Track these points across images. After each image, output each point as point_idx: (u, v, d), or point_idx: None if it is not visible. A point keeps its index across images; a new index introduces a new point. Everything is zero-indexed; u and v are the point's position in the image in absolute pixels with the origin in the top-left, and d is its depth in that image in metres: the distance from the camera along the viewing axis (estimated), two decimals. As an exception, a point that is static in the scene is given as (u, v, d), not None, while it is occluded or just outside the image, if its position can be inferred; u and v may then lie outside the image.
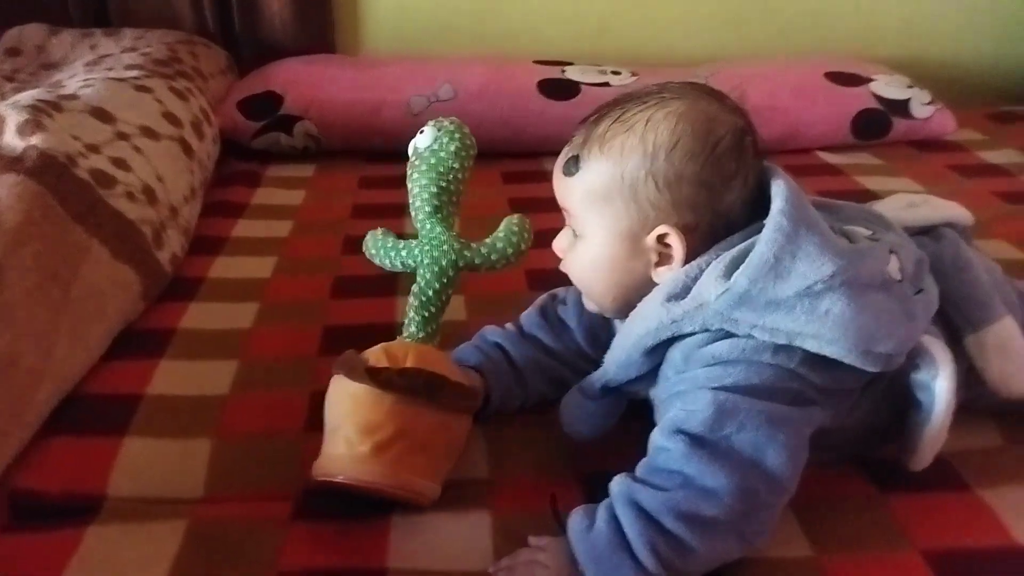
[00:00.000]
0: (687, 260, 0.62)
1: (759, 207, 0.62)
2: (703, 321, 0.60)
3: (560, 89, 1.45)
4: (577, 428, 0.70)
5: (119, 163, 0.96)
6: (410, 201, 0.81)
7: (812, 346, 0.57)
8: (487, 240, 0.78)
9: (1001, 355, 0.67)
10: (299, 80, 1.46)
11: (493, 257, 0.77)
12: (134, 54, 1.35)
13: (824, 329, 0.56)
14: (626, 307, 0.67)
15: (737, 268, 0.58)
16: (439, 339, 0.76)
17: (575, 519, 0.58)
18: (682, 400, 0.60)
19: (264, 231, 1.19)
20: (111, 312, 0.86)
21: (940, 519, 0.64)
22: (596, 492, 0.61)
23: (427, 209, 0.79)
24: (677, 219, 0.62)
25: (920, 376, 0.61)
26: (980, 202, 1.17)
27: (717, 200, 0.62)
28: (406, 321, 0.76)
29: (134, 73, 1.20)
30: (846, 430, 0.64)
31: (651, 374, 0.65)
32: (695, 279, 0.61)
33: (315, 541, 0.63)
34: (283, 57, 1.56)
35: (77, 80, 1.14)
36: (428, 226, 0.78)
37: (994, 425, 0.73)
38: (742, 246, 0.60)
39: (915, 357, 0.61)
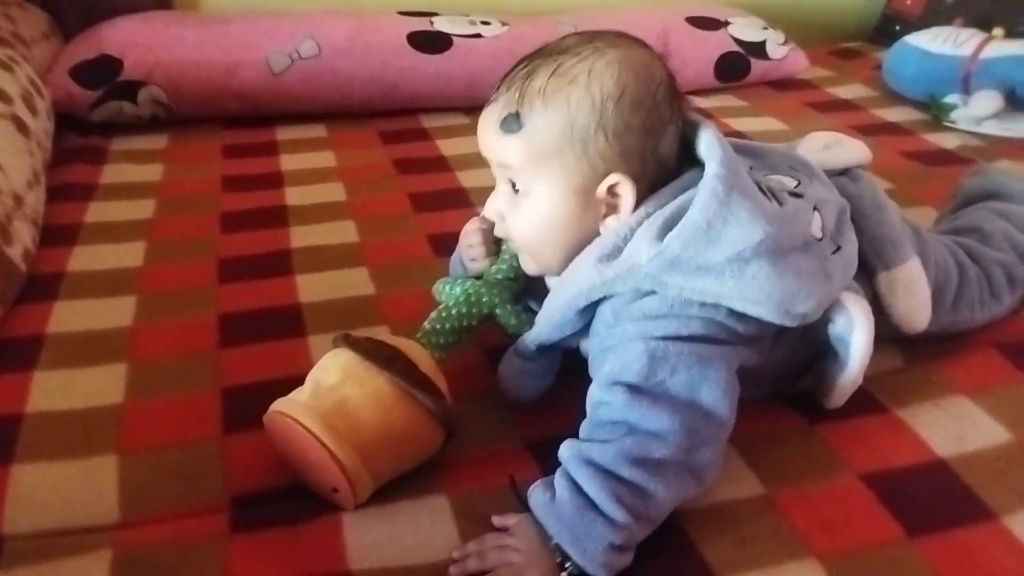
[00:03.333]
0: (635, 208, 0.62)
1: (683, 155, 0.64)
2: (634, 282, 0.60)
3: (431, 42, 1.39)
4: (518, 391, 0.69)
5: (-55, 149, 0.82)
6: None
7: (737, 306, 0.59)
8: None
9: (908, 292, 0.72)
10: (138, 41, 1.31)
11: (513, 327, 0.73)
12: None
13: (750, 292, 0.58)
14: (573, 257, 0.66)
15: (669, 230, 0.58)
16: (444, 356, 0.70)
17: (536, 494, 0.57)
18: (615, 354, 0.61)
19: (123, 213, 1.06)
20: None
21: (869, 443, 0.68)
22: (548, 459, 0.60)
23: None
24: (626, 167, 0.62)
25: (836, 330, 0.65)
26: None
27: (657, 146, 0.62)
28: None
29: (-59, 41, 1.03)
30: (766, 368, 0.67)
31: (583, 329, 0.66)
32: (625, 239, 0.61)
33: (262, 553, 0.58)
34: (112, 16, 1.39)
35: None
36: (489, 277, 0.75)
37: (896, 348, 0.78)
38: (673, 206, 0.60)
39: (832, 312, 0.64)
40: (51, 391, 0.73)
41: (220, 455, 0.66)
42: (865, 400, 0.72)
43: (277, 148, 1.28)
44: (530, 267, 0.70)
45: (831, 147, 0.75)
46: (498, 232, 0.70)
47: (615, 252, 0.61)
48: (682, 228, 0.58)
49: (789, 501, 0.62)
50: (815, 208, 0.65)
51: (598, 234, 0.64)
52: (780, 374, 0.70)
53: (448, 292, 0.75)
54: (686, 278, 0.58)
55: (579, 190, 0.62)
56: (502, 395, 0.70)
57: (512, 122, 0.62)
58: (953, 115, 1.37)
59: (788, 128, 1.36)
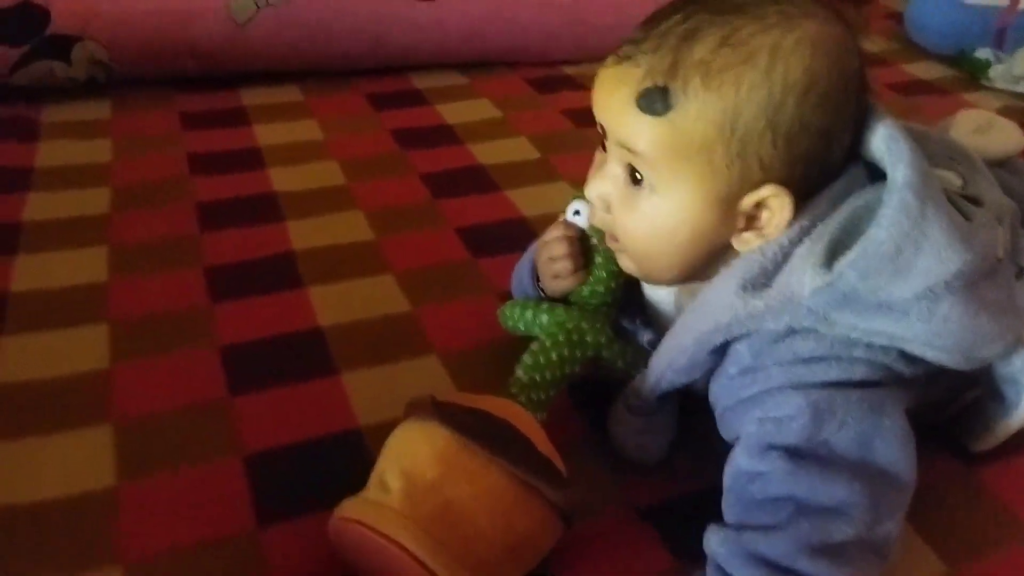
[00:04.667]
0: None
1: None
2: (790, 319, 0.47)
3: (423, -15, 1.19)
4: (642, 454, 0.57)
5: None
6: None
7: (915, 350, 0.47)
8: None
9: None
10: (66, -15, 1.07)
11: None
12: None
13: (938, 336, 0.46)
14: (687, 279, 0.54)
15: (837, 253, 0.45)
16: (544, 416, 0.56)
17: None
18: (761, 407, 0.49)
19: (71, 208, 0.87)
20: None
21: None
22: (674, 531, 0.52)
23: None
24: (786, 177, 0.48)
25: (1010, 370, 0.54)
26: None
27: (830, 152, 0.49)
28: (510, 381, 0.57)
29: None
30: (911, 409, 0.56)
31: (711, 369, 0.53)
32: (777, 263, 0.48)
33: None
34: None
35: None
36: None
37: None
38: (840, 219, 0.47)
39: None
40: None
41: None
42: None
43: (247, 117, 1.09)
44: (629, 267, 0.56)
45: (983, 130, 0.63)
46: (595, 220, 0.56)
47: (764, 278, 0.48)
48: (863, 253, 0.44)
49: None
50: (998, 219, 0.52)
51: (729, 246, 0.51)
52: (921, 413, 0.59)
53: (531, 321, 0.60)
54: (859, 318, 0.46)
55: (722, 199, 0.48)
56: (597, 449, 0.57)
57: (657, 99, 0.47)
58: (991, 72, 1.27)
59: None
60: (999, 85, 1.26)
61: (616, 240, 0.54)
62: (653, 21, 0.49)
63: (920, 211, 0.44)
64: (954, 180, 0.55)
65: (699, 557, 0.48)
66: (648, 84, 0.47)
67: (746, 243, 0.50)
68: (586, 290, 0.60)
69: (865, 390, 0.48)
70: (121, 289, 0.74)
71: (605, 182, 0.52)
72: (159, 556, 0.51)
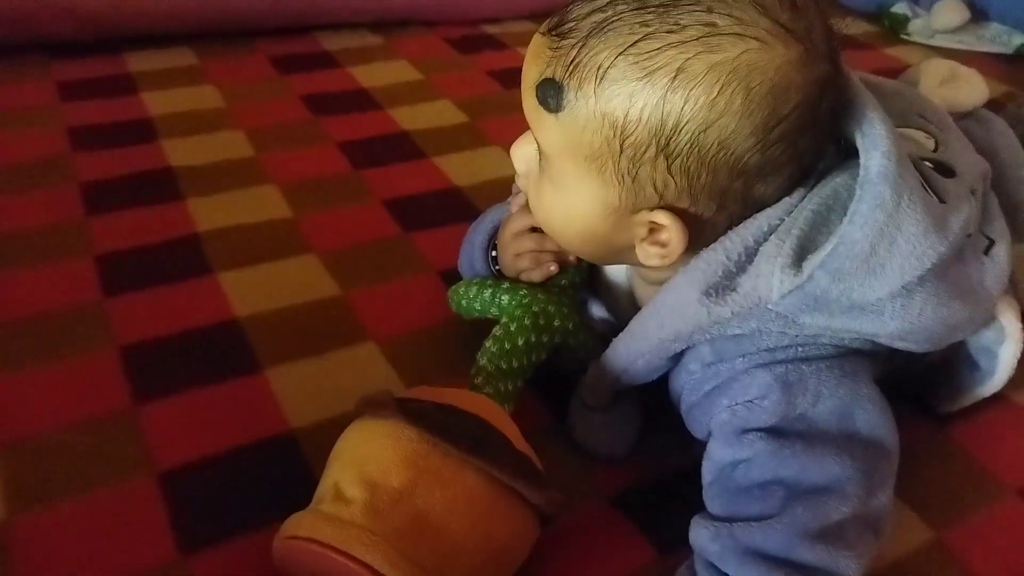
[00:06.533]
0: (687, 251, 0.44)
1: None
2: (757, 323, 0.44)
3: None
4: (606, 449, 0.52)
5: None
6: None
7: (885, 343, 0.45)
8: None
9: None
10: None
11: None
12: None
13: (912, 330, 0.43)
14: (605, 264, 0.51)
15: (807, 251, 0.42)
16: (511, 408, 0.50)
17: None
18: (728, 394, 0.46)
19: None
20: None
21: (1007, 446, 0.57)
22: (648, 518, 0.48)
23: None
24: (688, 206, 0.43)
25: (983, 341, 0.52)
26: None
27: (751, 189, 0.43)
28: (472, 371, 0.50)
29: None
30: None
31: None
32: (741, 264, 0.43)
33: None
34: None
35: None
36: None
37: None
38: (807, 213, 0.42)
39: None
40: None
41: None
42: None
43: (134, 84, 0.97)
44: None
45: (948, 81, 0.59)
46: (519, 182, 0.51)
47: (728, 280, 0.43)
48: (834, 255, 0.40)
49: (965, 545, 0.50)
50: (971, 191, 0.49)
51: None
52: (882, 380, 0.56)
53: (489, 301, 0.54)
54: (831, 319, 0.43)
55: (615, 209, 0.44)
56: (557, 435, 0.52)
57: (550, 93, 0.42)
58: (910, 27, 1.27)
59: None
60: (917, 39, 1.26)
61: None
62: None
63: (895, 204, 0.40)
64: (926, 143, 0.52)
65: (680, 546, 0.44)
66: (548, 75, 0.42)
67: (649, 257, 0.45)
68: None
69: (834, 359, 0.46)
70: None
71: (523, 147, 0.48)
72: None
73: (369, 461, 0.40)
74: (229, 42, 1.08)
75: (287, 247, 0.70)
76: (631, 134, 0.40)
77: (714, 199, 0.42)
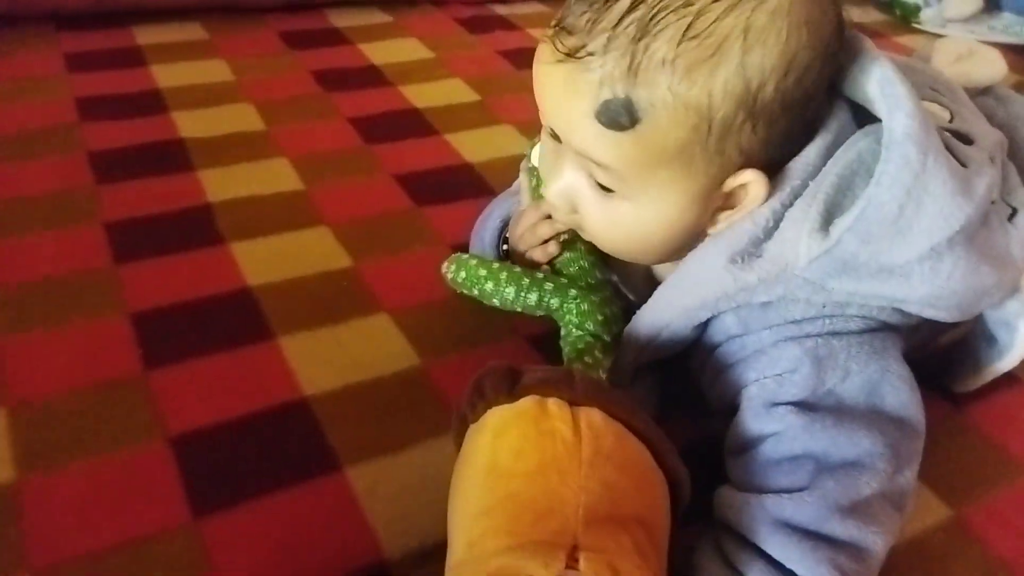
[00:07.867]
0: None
1: None
2: (784, 290, 0.44)
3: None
4: None
5: None
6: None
7: (913, 309, 0.45)
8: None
9: None
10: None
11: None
12: None
13: (941, 295, 0.43)
14: (674, 257, 0.48)
15: (834, 215, 0.42)
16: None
17: None
18: (756, 368, 0.46)
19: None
20: None
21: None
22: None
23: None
24: (766, 157, 0.43)
25: (1002, 314, 0.52)
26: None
27: (807, 112, 0.43)
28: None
29: None
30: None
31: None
32: (768, 230, 0.43)
33: None
34: None
35: None
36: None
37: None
38: (832, 177, 0.42)
39: None
40: None
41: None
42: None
43: (143, 56, 0.96)
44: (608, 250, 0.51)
45: (964, 59, 0.59)
46: (557, 217, 0.50)
47: (754, 247, 0.43)
48: (862, 217, 0.41)
49: (982, 523, 0.50)
50: (991, 158, 0.49)
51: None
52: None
53: (535, 305, 0.54)
54: (859, 283, 0.43)
55: (702, 195, 0.43)
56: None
57: (621, 113, 0.40)
58: (922, 16, 1.26)
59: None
60: (929, 28, 1.26)
61: (586, 235, 0.50)
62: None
63: (921, 164, 0.40)
64: (941, 114, 0.52)
65: (696, 520, 0.43)
66: (608, 96, 0.40)
67: (719, 223, 0.45)
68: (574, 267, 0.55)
69: (864, 335, 0.46)
70: (5, 252, 0.63)
71: (561, 182, 0.46)
72: (75, 561, 0.42)
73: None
74: (238, 17, 1.07)
75: (299, 219, 0.70)
76: (719, 111, 0.40)
77: (785, 139, 0.43)
